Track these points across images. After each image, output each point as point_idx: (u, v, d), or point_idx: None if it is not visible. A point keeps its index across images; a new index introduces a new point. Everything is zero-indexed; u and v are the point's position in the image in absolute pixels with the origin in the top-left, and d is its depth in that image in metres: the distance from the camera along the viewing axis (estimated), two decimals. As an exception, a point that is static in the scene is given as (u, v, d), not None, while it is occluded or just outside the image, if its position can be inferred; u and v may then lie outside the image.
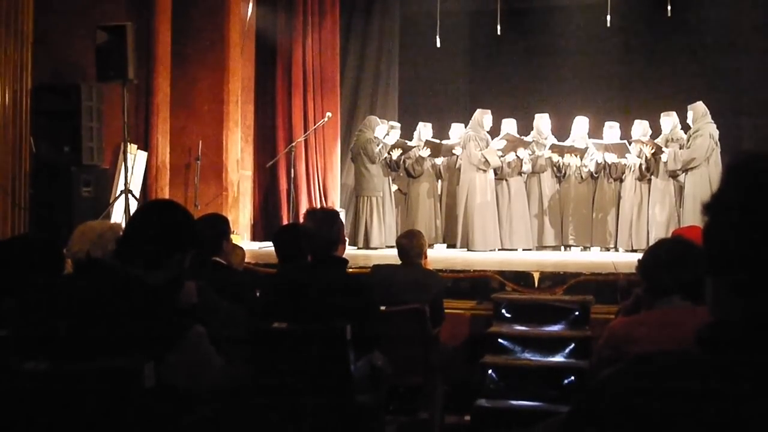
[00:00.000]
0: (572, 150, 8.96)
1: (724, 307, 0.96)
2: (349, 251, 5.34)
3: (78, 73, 8.07)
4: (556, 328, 5.74)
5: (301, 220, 8.09)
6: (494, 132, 9.20)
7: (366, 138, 9.19)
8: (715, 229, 0.96)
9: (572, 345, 5.55)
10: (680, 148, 8.48)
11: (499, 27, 9.86)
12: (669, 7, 9.36)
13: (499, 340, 5.68)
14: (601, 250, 8.97)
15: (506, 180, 9.09)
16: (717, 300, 0.97)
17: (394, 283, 4.77)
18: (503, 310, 5.90)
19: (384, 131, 9.36)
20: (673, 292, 2.52)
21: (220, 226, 4.08)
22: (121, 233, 3.30)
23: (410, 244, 4.99)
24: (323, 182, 10.75)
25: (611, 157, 8.78)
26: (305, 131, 10.45)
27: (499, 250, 8.87)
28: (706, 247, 0.98)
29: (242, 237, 9.58)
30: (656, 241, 2.80)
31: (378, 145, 9.13)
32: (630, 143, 8.70)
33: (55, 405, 2.13)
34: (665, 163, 8.50)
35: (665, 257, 2.56)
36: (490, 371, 5.53)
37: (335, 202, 10.62)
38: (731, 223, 0.94)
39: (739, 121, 10.13)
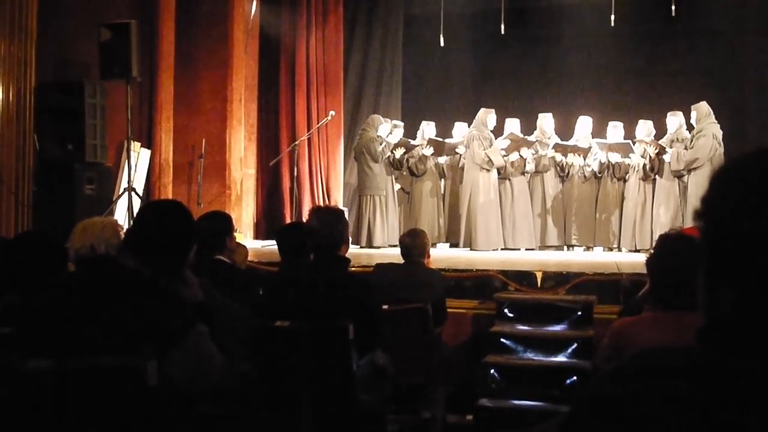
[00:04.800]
0: (576, 149, 8.95)
1: (718, 309, 0.96)
2: (352, 250, 5.33)
3: (82, 71, 8.08)
4: (558, 328, 5.73)
5: (305, 218, 8.10)
6: (498, 131, 9.19)
7: (369, 137, 9.19)
8: (707, 235, 0.97)
9: (575, 345, 5.54)
10: (685, 149, 8.46)
11: (503, 26, 9.85)
12: (673, 7, 9.34)
13: (502, 339, 5.67)
14: (604, 250, 8.96)
15: (509, 179, 9.08)
16: (710, 303, 0.97)
17: (396, 282, 4.77)
18: (506, 310, 5.90)
19: (387, 130, 9.36)
20: (678, 293, 2.51)
21: (222, 223, 4.07)
22: (119, 229, 3.33)
23: (413, 243, 4.99)
24: (326, 181, 10.75)
25: (615, 157, 8.77)
26: (308, 130, 10.45)
27: (501, 249, 8.86)
28: (701, 251, 0.98)
29: (245, 235, 9.59)
30: (662, 239, 2.77)
31: (381, 144, 9.13)
32: (634, 143, 8.70)
33: (58, 403, 2.13)
34: (669, 163, 8.49)
35: (671, 259, 2.55)
36: (492, 371, 5.53)
37: (338, 201, 10.62)
38: (722, 229, 0.94)
39: (743, 121, 10.10)
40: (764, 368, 0.89)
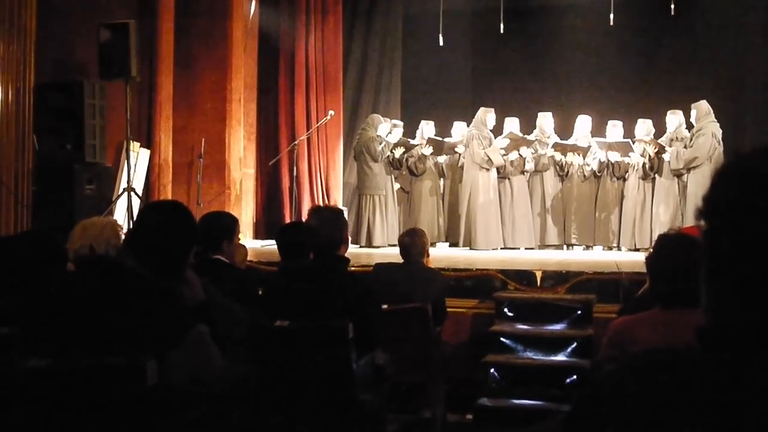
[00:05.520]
0: (575, 149, 8.95)
1: (720, 309, 0.96)
2: (352, 250, 5.33)
3: (81, 71, 8.08)
4: (558, 327, 5.74)
5: (304, 218, 8.10)
6: (497, 130, 9.19)
7: (369, 136, 9.19)
8: (709, 234, 0.97)
9: (574, 344, 5.55)
10: (684, 147, 8.46)
11: (502, 25, 9.85)
12: (673, 6, 9.34)
13: (502, 338, 5.68)
14: (603, 249, 8.96)
15: (509, 179, 9.08)
16: (713, 303, 0.97)
17: (396, 281, 4.77)
18: (505, 309, 5.90)
19: (387, 129, 9.36)
20: (678, 292, 2.51)
21: (222, 223, 4.06)
22: (119, 229, 3.33)
23: (412, 242, 4.99)
24: (326, 181, 10.75)
25: (614, 156, 8.76)
26: (308, 129, 10.45)
27: (501, 248, 8.86)
28: (702, 251, 0.98)
29: (245, 235, 9.58)
30: (662, 238, 2.77)
31: (381, 144, 9.13)
32: (633, 142, 8.69)
33: (58, 402, 2.13)
34: (668, 162, 8.49)
35: (671, 258, 2.55)
36: (492, 370, 5.53)
37: (338, 200, 10.62)
38: (723, 228, 0.94)
39: (742, 120, 10.11)
40: (764, 367, 0.89)
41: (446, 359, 5.04)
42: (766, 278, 0.90)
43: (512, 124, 9.21)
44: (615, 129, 8.99)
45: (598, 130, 9.17)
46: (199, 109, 9.43)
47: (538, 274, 6.33)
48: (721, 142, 8.31)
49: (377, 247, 8.93)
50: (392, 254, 6.59)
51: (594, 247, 9.05)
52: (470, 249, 8.77)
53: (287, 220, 9.64)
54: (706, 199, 0.97)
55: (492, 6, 10.14)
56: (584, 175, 9.01)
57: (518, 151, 8.97)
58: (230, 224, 4.11)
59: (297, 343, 3.40)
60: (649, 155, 8.57)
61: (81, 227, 3.37)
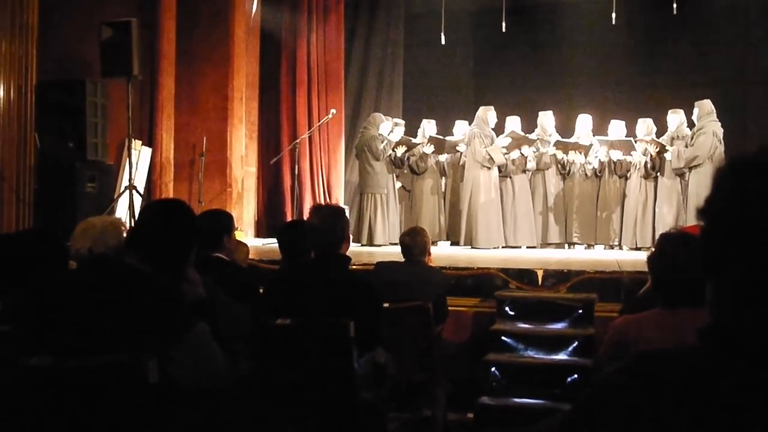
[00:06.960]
0: (577, 147, 8.94)
1: (721, 308, 0.96)
2: (353, 248, 5.33)
3: (83, 69, 8.08)
4: (559, 326, 5.73)
5: (305, 216, 8.10)
6: (499, 129, 9.19)
7: (370, 135, 9.19)
8: (710, 234, 0.97)
9: (575, 343, 5.54)
10: (685, 146, 8.46)
11: (504, 24, 9.85)
12: (675, 5, 9.34)
13: (503, 337, 5.68)
14: (605, 248, 8.95)
15: (510, 177, 9.08)
16: (715, 302, 0.97)
17: (397, 280, 4.77)
18: (507, 308, 5.90)
19: (388, 128, 9.36)
20: (680, 291, 2.51)
21: (221, 221, 4.07)
22: (122, 228, 3.33)
23: (413, 241, 4.98)
24: (327, 179, 10.76)
25: (617, 154, 8.76)
26: (309, 128, 10.46)
27: (502, 247, 8.86)
28: (702, 250, 0.98)
29: (246, 233, 9.60)
30: (663, 237, 2.77)
31: (382, 142, 9.13)
32: (635, 141, 8.69)
33: (59, 400, 2.13)
34: (669, 161, 8.49)
35: (673, 257, 2.54)
36: (493, 369, 5.53)
37: (339, 199, 10.63)
38: (725, 228, 0.94)
39: (743, 119, 10.10)
40: (764, 367, 0.89)
41: (447, 358, 5.04)
42: (762, 278, 0.91)
43: (514, 123, 9.21)
44: (617, 127, 8.99)
45: (600, 130, 9.17)
46: (200, 107, 9.44)
47: (540, 273, 6.32)
48: (722, 141, 8.30)
49: (378, 246, 8.93)
50: (393, 253, 6.59)
51: (595, 246, 9.05)
52: (471, 248, 8.77)
53: (288, 218, 9.64)
54: (707, 199, 0.98)
55: (494, 5, 10.15)
56: (586, 174, 9.01)
57: (520, 149, 8.97)
58: (227, 221, 4.12)
59: (298, 342, 3.40)
60: (651, 154, 8.57)
61: (82, 228, 3.36)
